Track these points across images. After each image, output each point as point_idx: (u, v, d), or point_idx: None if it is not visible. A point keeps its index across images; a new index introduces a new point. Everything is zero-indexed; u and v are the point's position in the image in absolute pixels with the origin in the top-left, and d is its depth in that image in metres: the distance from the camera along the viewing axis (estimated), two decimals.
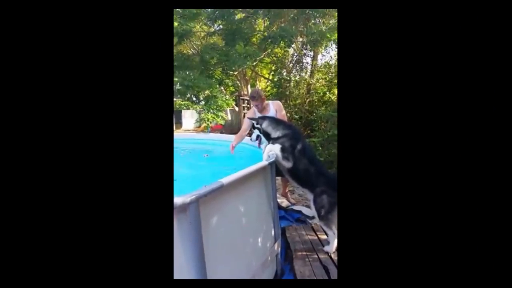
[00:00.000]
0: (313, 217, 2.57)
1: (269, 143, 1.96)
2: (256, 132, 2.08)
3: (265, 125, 2.02)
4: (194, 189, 0.88)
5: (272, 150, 1.87)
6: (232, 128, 9.90)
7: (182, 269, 0.84)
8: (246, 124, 2.78)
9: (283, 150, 1.85)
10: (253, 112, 2.79)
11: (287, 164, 1.88)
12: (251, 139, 2.18)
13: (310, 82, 6.95)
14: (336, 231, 1.84)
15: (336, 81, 7.00)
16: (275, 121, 2.06)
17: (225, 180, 1.04)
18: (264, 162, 1.47)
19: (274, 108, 2.79)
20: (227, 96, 8.07)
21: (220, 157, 2.90)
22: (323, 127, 5.97)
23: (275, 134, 1.95)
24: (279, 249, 1.74)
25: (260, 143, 2.14)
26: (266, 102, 2.77)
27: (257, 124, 2.07)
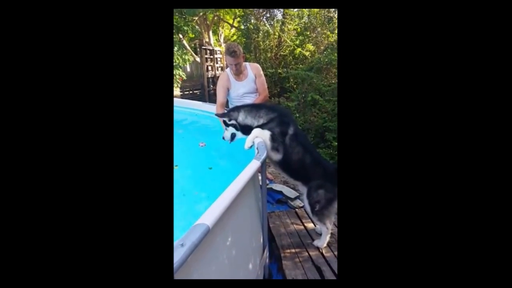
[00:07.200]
0: (295, 198, 2.37)
1: (254, 127, 1.55)
2: (231, 129, 1.60)
3: (241, 117, 1.56)
4: None
5: (260, 137, 1.48)
6: (193, 81, 9.01)
7: None
8: (220, 93, 2.24)
9: (273, 138, 1.47)
10: (227, 76, 2.26)
11: (276, 156, 1.52)
12: (223, 138, 1.66)
13: (281, 35, 6.26)
14: (330, 226, 1.63)
15: (308, 33, 6.48)
16: (253, 107, 1.60)
17: (209, 217, 0.73)
18: (256, 164, 1.10)
19: (253, 71, 2.29)
20: (185, 50, 7.01)
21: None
22: (293, 84, 5.57)
23: (258, 121, 1.53)
24: (267, 253, 1.50)
25: (232, 140, 1.64)
26: (244, 63, 2.25)
27: (229, 120, 1.58)
